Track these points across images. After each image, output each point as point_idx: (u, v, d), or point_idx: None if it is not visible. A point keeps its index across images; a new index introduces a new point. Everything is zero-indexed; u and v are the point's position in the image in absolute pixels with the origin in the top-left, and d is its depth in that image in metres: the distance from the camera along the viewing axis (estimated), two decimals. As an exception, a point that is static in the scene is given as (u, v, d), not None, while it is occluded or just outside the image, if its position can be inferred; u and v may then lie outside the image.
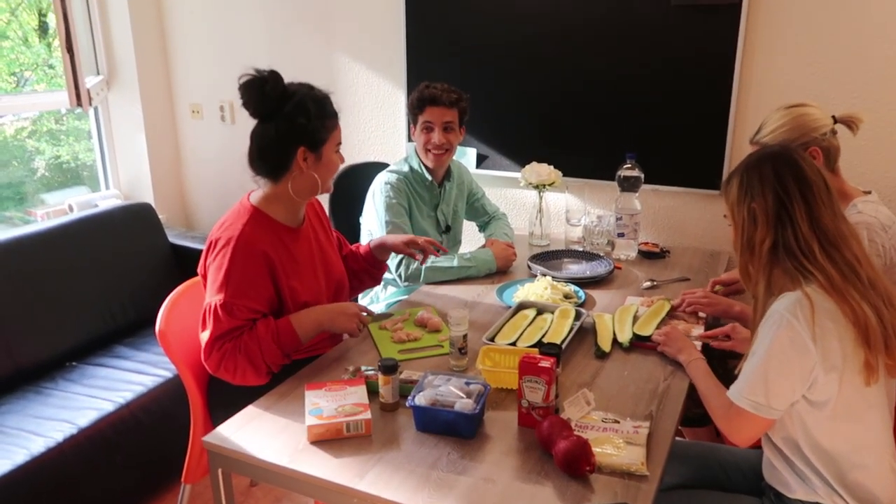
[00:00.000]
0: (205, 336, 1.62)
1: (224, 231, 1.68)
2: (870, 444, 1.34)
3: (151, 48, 3.44)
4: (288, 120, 1.67)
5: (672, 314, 1.93)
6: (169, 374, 2.34)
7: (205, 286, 1.69)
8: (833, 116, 1.81)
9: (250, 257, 1.63)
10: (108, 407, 2.16)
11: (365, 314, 1.77)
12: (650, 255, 2.46)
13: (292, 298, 1.72)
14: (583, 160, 2.72)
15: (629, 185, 2.40)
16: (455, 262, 2.25)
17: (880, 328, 1.27)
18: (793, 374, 1.29)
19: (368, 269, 2.07)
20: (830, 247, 1.30)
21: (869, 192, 1.81)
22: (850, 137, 1.84)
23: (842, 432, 1.32)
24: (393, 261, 2.25)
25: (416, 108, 2.32)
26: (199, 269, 1.73)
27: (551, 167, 2.56)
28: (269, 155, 1.71)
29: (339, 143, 1.77)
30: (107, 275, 2.71)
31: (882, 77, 2.27)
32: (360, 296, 2.43)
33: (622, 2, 2.53)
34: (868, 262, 1.33)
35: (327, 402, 1.43)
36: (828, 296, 1.28)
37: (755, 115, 1.92)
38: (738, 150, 2.48)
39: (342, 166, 1.85)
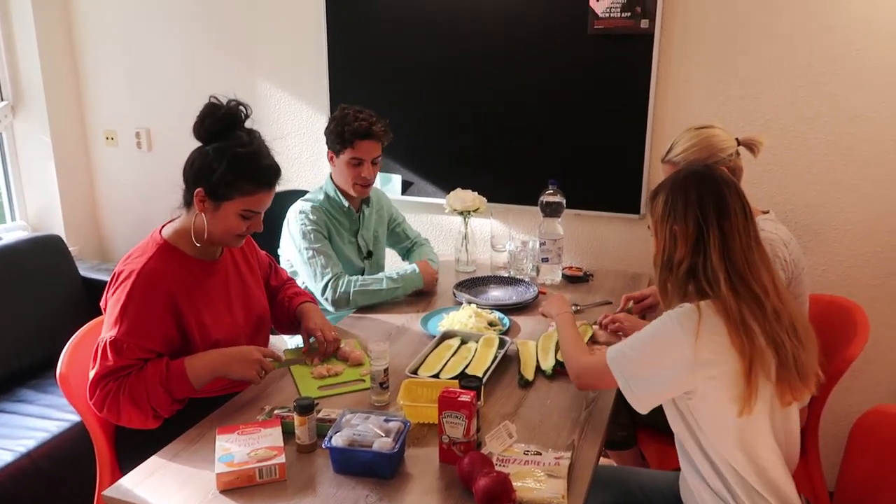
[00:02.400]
0: (91, 374, 1.54)
1: (128, 264, 1.61)
2: (771, 465, 1.37)
3: (61, 73, 3.29)
4: (203, 157, 1.63)
5: (594, 339, 1.95)
6: (77, 419, 2.20)
7: None
8: (736, 139, 1.90)
9: (150, 293, 1.56)
10: (7, 457, 2.01)
11: (271, 359, 1.68)
12: (574, 280, 2.49)
13: (202, 336, 1.65)
14: (506, 186, 2.74)
15: (552, 211, 2.43)
16: (384, 284, 2.22)
17: (776, 360, 1.29)
18: (663, 368, 1.35)
19: (291, 328, 1.98)
20: (737, 278, 1.32)
21: (767, 212, 1.90)
22: (755, 161, 1.92)
23: (743, 454, 1.34)
24: (318, 284, 2.19)
25: (343, 140, 2.21)
26: (102, 304, 1.64)
27: (475, 193, 2.57)
28: (184, 179, 1.67)
29: (254, 212, 1.66)
30: (10, 312, 2.55)
31: (785, 104, 2.38)
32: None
33: (542, 29, 2.57)
34: (777, 291, 1.35)
35: (239, 447, 1.36)
36: (718, 316, 1.30)
37: (670, 141, 1.97)
38: (655, 174, 2.55)
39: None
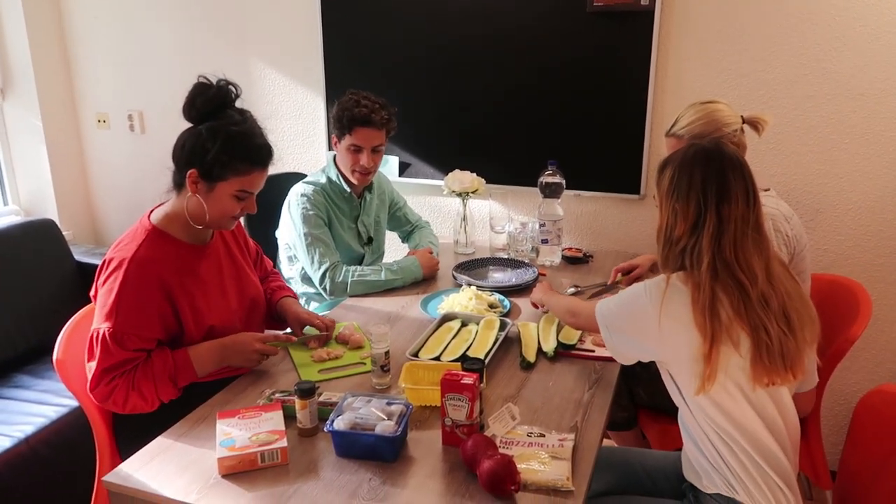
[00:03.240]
0: (92, 366, 1.51)
1: (118, 252, 1.57)
2: (764, 440, 1.36)
3: (51, 55, 3.23)
4: (195, 137, 1.59)
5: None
6: (75, 403, 2.18)
7: None
8: (742, 116, 1.89)
9: (144, 281, 1.53)
10: (5, 443, 1.99)
11: (273, 341, 1.69)
12: (574, 261, 2.48)
13: (196, 321, 1.63)
14: (505, 167, 2.71)
15: (551, 192, 2.41)
16: (382, 276, 2.19)
17: (751, 342, 1.28)
18: (634, 331, 1.41)
19: (269, 320, 1.95)
20: (721, 264, 1.31)
21: (767, 190, 1.89)
22: (757, 140, 1.91)
23: (734, 428, 1.34)
24: (316, 273, 2.18)
25: (344, 126, 2.18)
26: (91, 293, 1.61)
27: (474, 175, 2.54)
28: (175, 161, 1.63)
29: (248, 193, 1.64)
30: (4, 297, 2.52)
31: (787, 82, 2.35)
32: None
33: (541, 7, 2.53)
34: (769, 278, 1.33)
35: (240, 431, 1.35)
36: (686, 287, 1.32)
37: (671, 121, 1.95)
38: (655, 154, 2.52)
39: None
